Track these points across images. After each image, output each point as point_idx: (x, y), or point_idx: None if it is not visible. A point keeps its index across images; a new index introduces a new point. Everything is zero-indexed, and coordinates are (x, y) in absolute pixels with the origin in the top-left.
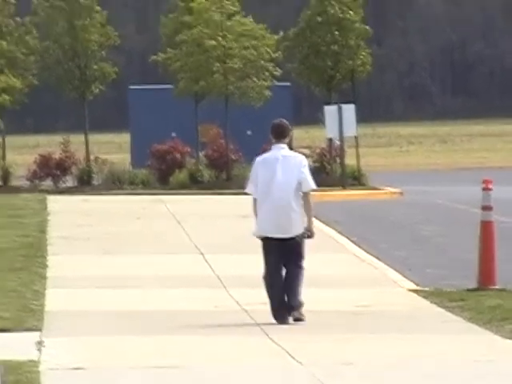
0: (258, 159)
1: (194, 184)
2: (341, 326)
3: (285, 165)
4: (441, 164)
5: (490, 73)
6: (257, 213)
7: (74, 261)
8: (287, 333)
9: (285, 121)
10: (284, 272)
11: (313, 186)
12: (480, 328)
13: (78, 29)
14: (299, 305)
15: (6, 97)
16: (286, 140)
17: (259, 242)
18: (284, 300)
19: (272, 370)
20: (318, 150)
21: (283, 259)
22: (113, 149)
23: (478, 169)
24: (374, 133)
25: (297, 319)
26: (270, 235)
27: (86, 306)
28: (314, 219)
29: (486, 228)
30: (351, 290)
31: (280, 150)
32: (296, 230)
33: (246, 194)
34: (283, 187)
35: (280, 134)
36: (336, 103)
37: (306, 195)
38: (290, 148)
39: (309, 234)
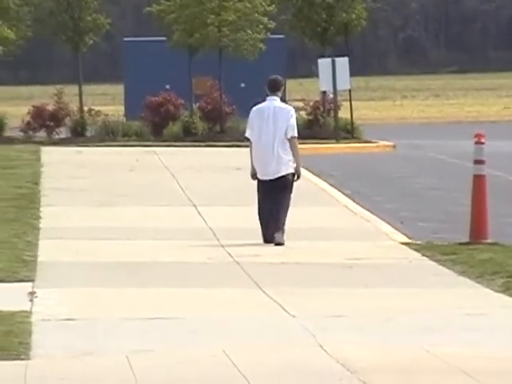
0: (254, 108)
1: (188, 136)
2: (332, 278)
3: (276, 114)
4: (434, 118)
5: (485, 28)
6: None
7: (67, 212)
8: (279, 285)
9: (279, 77)
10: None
11: (295, 133)
12: (472, 281)
13: None
14: (280, 229)
15: None
16: (279, 93)
17: (252, 195)
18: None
19: (265, 322)
20: (311, 103)
21: (273, 196)
22: (106, 100)
23: (471, 123)
24: (368, 86)
25: (277, 244)
26: (261, 178)
27: (78, 257)
28: (308, 172)
29: (479, 182)
30: (343, 242)
31: (273, 101)
32: (285, 170)
33: (238, 146)
34: (273, 134)
35: (274, 88)
36: (330, 56)
37: (291, 141)
38: (283, 101)
39: (297, 175)
